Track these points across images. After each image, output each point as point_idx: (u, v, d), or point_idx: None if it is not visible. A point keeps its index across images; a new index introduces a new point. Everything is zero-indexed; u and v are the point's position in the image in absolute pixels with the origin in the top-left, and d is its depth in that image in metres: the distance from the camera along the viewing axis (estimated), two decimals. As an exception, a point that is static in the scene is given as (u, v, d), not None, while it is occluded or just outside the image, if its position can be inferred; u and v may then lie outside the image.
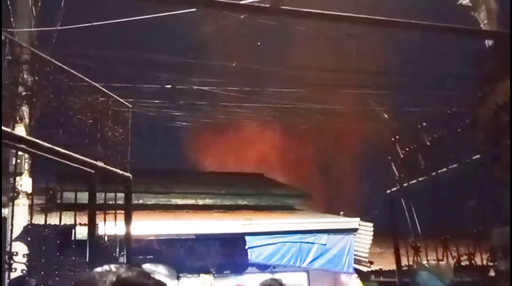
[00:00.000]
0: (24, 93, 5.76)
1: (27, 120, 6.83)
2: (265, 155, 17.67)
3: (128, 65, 10.68)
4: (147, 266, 10.71)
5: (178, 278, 11.82)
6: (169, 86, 11.95)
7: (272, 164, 17.79)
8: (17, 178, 7.92)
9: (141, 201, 13.11)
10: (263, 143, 17.24)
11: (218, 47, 11.00)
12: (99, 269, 1.94)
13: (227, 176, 16.16)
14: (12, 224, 6.04)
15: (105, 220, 6.39)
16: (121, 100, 6.11)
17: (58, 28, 8.85)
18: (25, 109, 6.54)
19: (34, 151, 4.98)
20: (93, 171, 5.58)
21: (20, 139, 4.94)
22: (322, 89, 12.75)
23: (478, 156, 6.19)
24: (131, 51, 10.48)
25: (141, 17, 8.23)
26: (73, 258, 6.02)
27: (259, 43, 10.73)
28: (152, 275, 1.99)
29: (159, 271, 11.09)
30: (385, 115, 12.53)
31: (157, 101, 12.14)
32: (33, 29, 8.53)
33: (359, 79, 12.39)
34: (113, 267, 1.95)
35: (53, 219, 6.27)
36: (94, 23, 9.06)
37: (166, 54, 10.89)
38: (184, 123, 13.46)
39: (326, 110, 13.47)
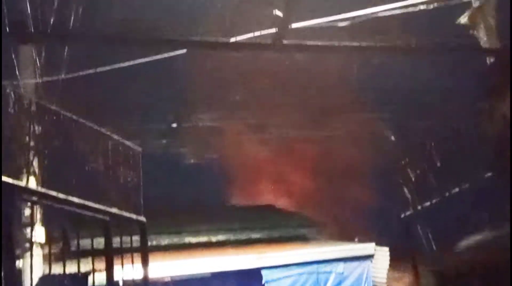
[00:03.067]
0: (32, 144, 5.80)
1: (37, 171, 6.85)
2: (274, 185, 17.66)
3: (134, 106, 10.78)
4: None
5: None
6: (174, 125, 12.03)
7: (282, 194, 17.73)
8: (30, 229, 7.90)
9: (154, 243, 13.02)
10: (272, 173, 17.25)
11: (221, 82, 11.11)
12: None
13: (238, 210, 16.08)
14: (31, 276, 6.02)
15: (122, 265, 6.37)
16: (131, 145, 6.15)
17: (63, 77, 8.95)
18: (36, 161, 6.58)
19: (49, 203, 5.00)
20: (107, 218, 5.59)
21: (34, 193, 4.96)
22: (327, 116, 12.81)
23: (490, 173, 6.19)
24: (136, 93, 10.58)
25: (142, 60, 8.31)
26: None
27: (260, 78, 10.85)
28: None
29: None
30: (392, 137, 12.55)
31: (165, 140, 12.21)
32: (37, 79, 8.63)
33: (363, 101, 12.45)
34: None
35: (69, 267, 6.24)
36: (98, 69, 9.16)
37: (170, 93, 10.97)
38: (192, 161, 13.50)
39: (332, 137, 13.50)
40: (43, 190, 5.13)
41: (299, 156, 15.35)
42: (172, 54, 6.75)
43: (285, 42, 5.06)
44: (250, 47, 5.48)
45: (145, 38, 5.75)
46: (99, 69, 7.91)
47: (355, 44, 5.37)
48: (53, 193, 5.09)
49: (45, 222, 8.33)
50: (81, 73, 8.01)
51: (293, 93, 12.03)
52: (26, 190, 4.95)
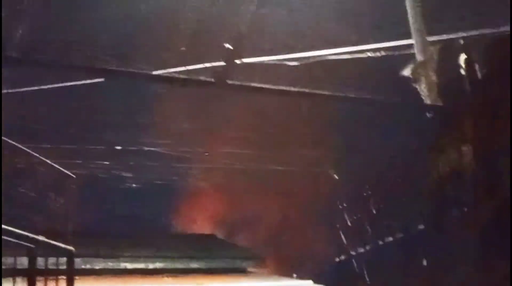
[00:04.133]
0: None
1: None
2: (217, 216, 17.57)
3: (76, 126, 10.57)
4: None
5: None
6: (119, 147, 11.84)
7: (224, 225, 17.64)
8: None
9: (88, 266, 12.66)
10: (215, 203, 17.18)
11: (168, 108, 11.01)
12: None
13: (178, 238, 15.85)
14: None
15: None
16: (66, 171, 5.99)
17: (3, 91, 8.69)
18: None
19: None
20: (33, 246, 5.39)
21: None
22: (275, 150, 12.87)
23: (423, 226, 6.32)
24: (80, 112, 10.38)
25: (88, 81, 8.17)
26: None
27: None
28: None
29: None
30: (336, 176, 12.68)
31: (107, 162, 11.99)
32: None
33: (311, 139, 12.57)
34: None
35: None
36: (42, 86, 8.96)
37: (115, 115, 10.80)
38: (134, 185, 13.28)
39: (277, 171, 13.56)
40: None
41: (242, 188, 15.37)
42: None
43: (229, 82, 5.04)
44: (192, 83, 5.43)
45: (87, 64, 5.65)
46: (40, 87, 7.71)
47: (300, 89, 5.42)
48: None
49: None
50: (19, 90, 7.79)
51: (239, 127, 12.05)
52: None
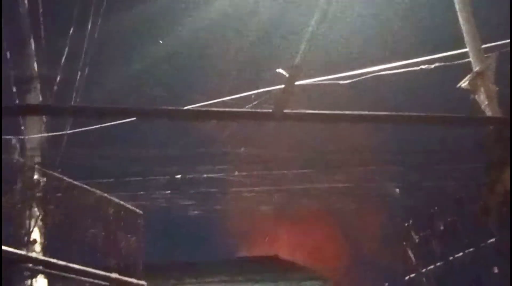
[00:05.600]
0: (34, 211, 5.83)
1: (38, 238, 6.85)
2: (280, 238, 17.55)
3: (136, 162, 10.84)
4: None
5: None
6: (179, 176, 12.05)
7: (287, 246, 17.59)
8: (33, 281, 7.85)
9: (156, 295, 12.89)
10: (276, 225, 17.16)
11: (224, 136, 11.17)
12: None
13: (242, 261, 15.92)
14: None
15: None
16: (133, 208, 6.16)
17: (68, 132, 9.04)
18: (37, 230, 6.59)
19: (50, 271, 4.99)
20: (107, 284, 5.57)
21: (36, 261, 4.96)
22: (335, 169, 12.78)
23: (493, 239, 6.14)
24: (139, 148, 10.67)
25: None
26: None
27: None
28: None
29: None
30: (397, 190, 12.47)
31: (168, 192, 12.21)
32: (42, 134, 8.72)
33: (369, 157, 12.45)
34: None
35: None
36: (102, 125, 9.24)
37: (173, 148, 11.07)
38: (195, 212, 13.46)
39: (338, 190, 13.44)
40: (43, 258, 5.13)
41: (303, 209, 15.29)
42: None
43: (286, 111, 5.07)
44: (249, 116, 5.49)
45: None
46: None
47: (358, 113, 5.39)
48: (53, 260, 5.09)
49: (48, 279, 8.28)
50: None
51: (294, 147, 12.06)
52: (27, 258, 4.95)
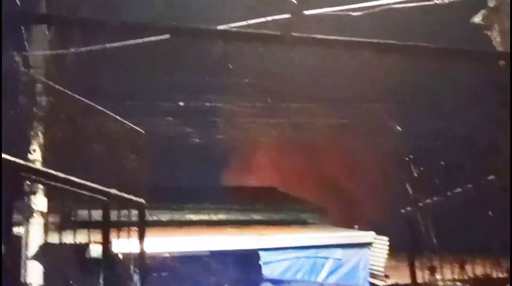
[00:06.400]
0: (36, 123, 5.81)
1: (39, 149, 6.87)
2: (279, 169, 17.67)
3: (142, 85, 10.77)
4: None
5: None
6: (182, 103, 12.02)
7: (286, 178, 17.76)
8: (32, 197, 7.97)
9: (155, 218, 13.17)
10: (277, 157, 17.25)
11: (229, 65, 11.04)
12: None
13: (241, 190, 16.16)
14: (27, 243, 6.07)
15: (118, 237, 6.40)
16: (135, 127, 6.15)
17: (71, 50, 8.91)
18: (38, 140, 6.59)
19: (50, 182, 5.02)
20: (106, 199, 5.63)
21: (36, 171, 4.99)
22: (337, 104, 12.74)
23: (493, 176, 6.15)
24: (145, 71, 10.57)
25: (153, 38, 8.21)
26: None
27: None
28: None
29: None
30: (399, 128, 12.49)
31: (171, 118, 12.22)
32: (46, 51, 8.60)
33: (374, 93, 12.38)
34: None
35: (68, 238, 6.30)
36: (107, 45, 9.09)
37: (179, 73, 10.95)
38: (197, 140, 13.53)
39: (340, 125, 13.45)
40: (43, 168, 5.16)
41: (305, 142, 15.33)
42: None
43: (295, 34, 4.97)
44: (256, 38, 5.37)
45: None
46: (105, 46, 7.82)
47: (367, 40, 5.27)
48: (53, 172, 5.11)
49: (46, 194, 8.38)
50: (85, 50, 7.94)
51: (301, 81, 11.95)
52: (27, 168, 4.96)
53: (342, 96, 12.18)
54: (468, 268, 7.66)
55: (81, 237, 6.34)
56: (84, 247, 7.12)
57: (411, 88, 10.86)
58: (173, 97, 11.60)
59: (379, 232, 12.38)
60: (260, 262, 11.69)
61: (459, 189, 6.69)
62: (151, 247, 9.72)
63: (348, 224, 14.49)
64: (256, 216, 14.46)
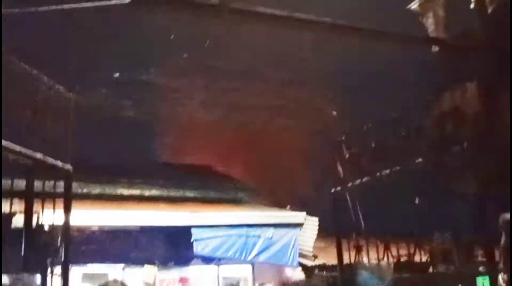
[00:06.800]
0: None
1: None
2: (214, 148, 17.60)
3: (76, 52, 10.39)
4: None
5: (122, 269, 11.67)
6: (117, 74, 11.71)
7: (221, 157, 17.72)
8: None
9: (85, 190, 12.83)
10: (213, 136, 17.17)
11: (170, 39, 10.83)
12: None
13: (175, 167, 15.97)
14: None
15: (43, 209, 6.16)
16: (64, 90, 5.92)
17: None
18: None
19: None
20: (30, 162, 5.41)
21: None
22: (272, 86, 12.78)
23: (420, 159, 6.36)
24: (80, 39, 10.19)
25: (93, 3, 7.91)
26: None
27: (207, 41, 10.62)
28: None
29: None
30: (334, 113, 12.68)
31: (104, 90, 11.89)
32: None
33: (310, 77, 12.48)
34: None
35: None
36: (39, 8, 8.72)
37: (116, 44, 10.63)
38: (132, 113, 13.24)
39: (277, 106, 13.52)
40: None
41: (242, 121, 15.32)
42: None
43: (234, 6, 4.88)
44: (189, 6, 5.23)
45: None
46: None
47: (307, 17, 5.26)
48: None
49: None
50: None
51: (241, 60, 11.88)
52: None
53: (281, 78, 12.21)
54: (393, 249, 7.90)
55: (3, 206, 6.08)
56: (6, 217, 6.82)
57: (349, 72, 11.02)
58: (108, 67, 11.26)
59: (310, 213, 12.58)
60: (192, 239, 11.66)
61: (387, 171, 6.87)
62: (79, 220, 9.47)
63: (280, 204, 14.64)
64: (190, 194, 14.36)
